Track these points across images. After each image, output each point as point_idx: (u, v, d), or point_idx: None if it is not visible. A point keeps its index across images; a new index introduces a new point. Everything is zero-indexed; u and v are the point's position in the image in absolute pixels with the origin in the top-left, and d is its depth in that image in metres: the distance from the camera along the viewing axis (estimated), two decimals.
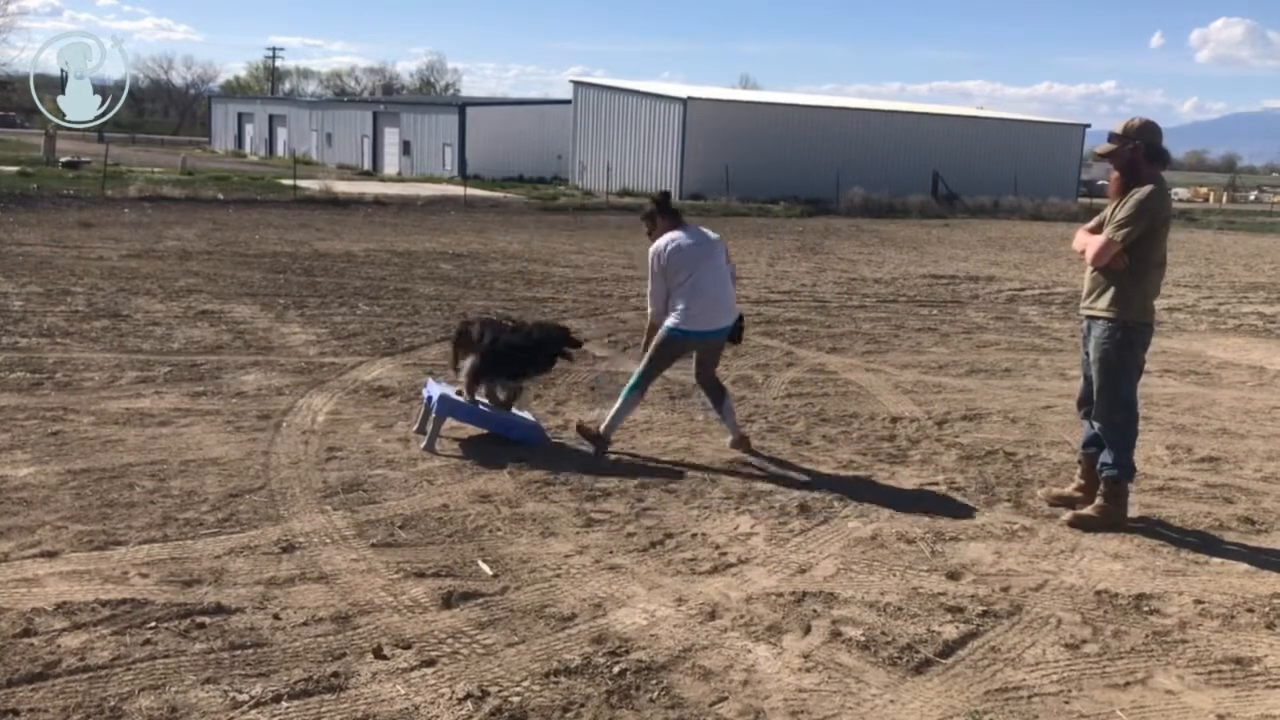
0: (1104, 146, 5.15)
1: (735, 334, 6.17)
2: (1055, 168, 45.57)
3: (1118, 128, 5.13)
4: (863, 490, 5.64)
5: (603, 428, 6.11)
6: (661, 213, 6.10)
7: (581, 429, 6.19)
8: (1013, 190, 40.61)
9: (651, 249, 6.02)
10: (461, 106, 51.05)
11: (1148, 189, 4.97)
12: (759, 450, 6.28)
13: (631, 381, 6.11)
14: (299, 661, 3.49)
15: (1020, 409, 7.66)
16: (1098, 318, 5.16)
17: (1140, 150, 5.02)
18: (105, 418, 6.38)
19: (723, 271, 6.04)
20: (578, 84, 45.90)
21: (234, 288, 12.12)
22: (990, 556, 4.74)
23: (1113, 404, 5.14)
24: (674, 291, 5.91)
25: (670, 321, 5.94)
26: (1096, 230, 5.26)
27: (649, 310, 6.15)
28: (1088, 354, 5.29)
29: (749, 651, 3.72)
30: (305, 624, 3.77)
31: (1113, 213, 5.11)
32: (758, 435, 6.65)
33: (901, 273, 17.22)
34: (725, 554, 4.64)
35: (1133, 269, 5.03)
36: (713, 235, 6.09)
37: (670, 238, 5.95)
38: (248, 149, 70.64)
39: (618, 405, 6.11)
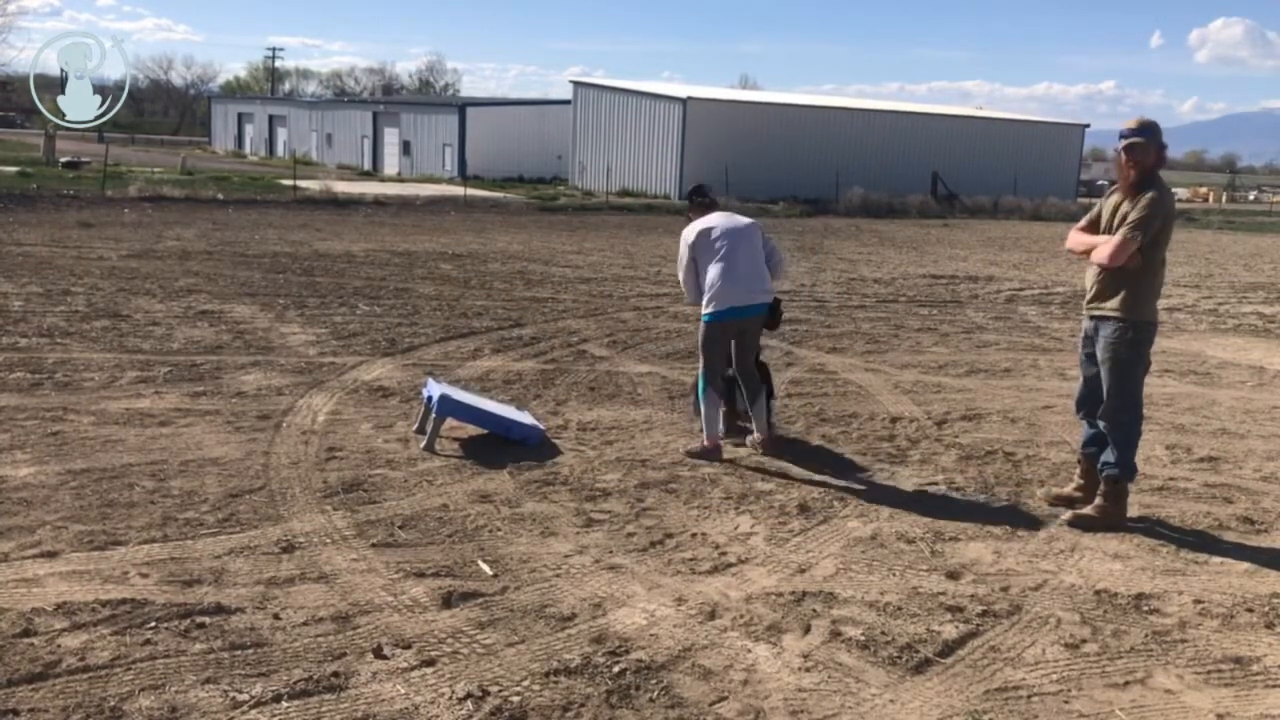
0: (1135, 138, 4.99)
1: (772, 318, 6.25)
2: (1054, 168, 45.57)
3: (1135, 123, 5.03)
4: (862, 490, 5.64)
5: (705, 440, 6.11)
6: (695, 204, 6.38)
7: (693, 454, 6.12)
8: (1012, 190, 40.62)
9: (681, 235, 6.21)
10: (461, 107, 51.03)
11: (1158, 189, 4.97)
12: (757, 456, 6.28)
13: (699, 386, 6.16)
14: (299, 661, 3.49)
15: (1020, 409, 7.67)
16: (1107, 318, 5.13)
17: (1163, 150, 5.03)
18: (105, 418, 6.39)
19: (754, 252, 6.10)
20: (577, 84, 45.88)
21: (234, 288, 12.12)
22: (990, 556, 4.74)
23: (1122, 404, 5.13)
24: (705, 273, 6.02)
25: (704, 311, 6.06)
26: (1090, 229, 5.24)
27: (687, 297, 6.28)
28: (1089, 355, 5.27)
29: (749, 651, 3.72)
30: (305, 624, 3.77)
31: (1117, 211, 5.08)
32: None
33: (901, 273, 17.22)
34: (725, 554, 4.64)
35: (1143, 268, 5.02)
36: (745, 219, 6.24)
37: (699, 222, 6.16)
38: (248, 149, 70.63)
39: (703, 413, 6.13)
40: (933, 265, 18.82)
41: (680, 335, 10.20)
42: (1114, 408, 5.15)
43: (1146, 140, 5.00)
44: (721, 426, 6.21)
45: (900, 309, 12.92)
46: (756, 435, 6.26)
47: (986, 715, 3.35)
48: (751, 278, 6.02)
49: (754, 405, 6.24)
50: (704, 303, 6.03)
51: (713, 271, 5.98)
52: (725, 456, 6.12)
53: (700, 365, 6.17)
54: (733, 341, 6.15)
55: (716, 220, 6.14)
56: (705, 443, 6.13)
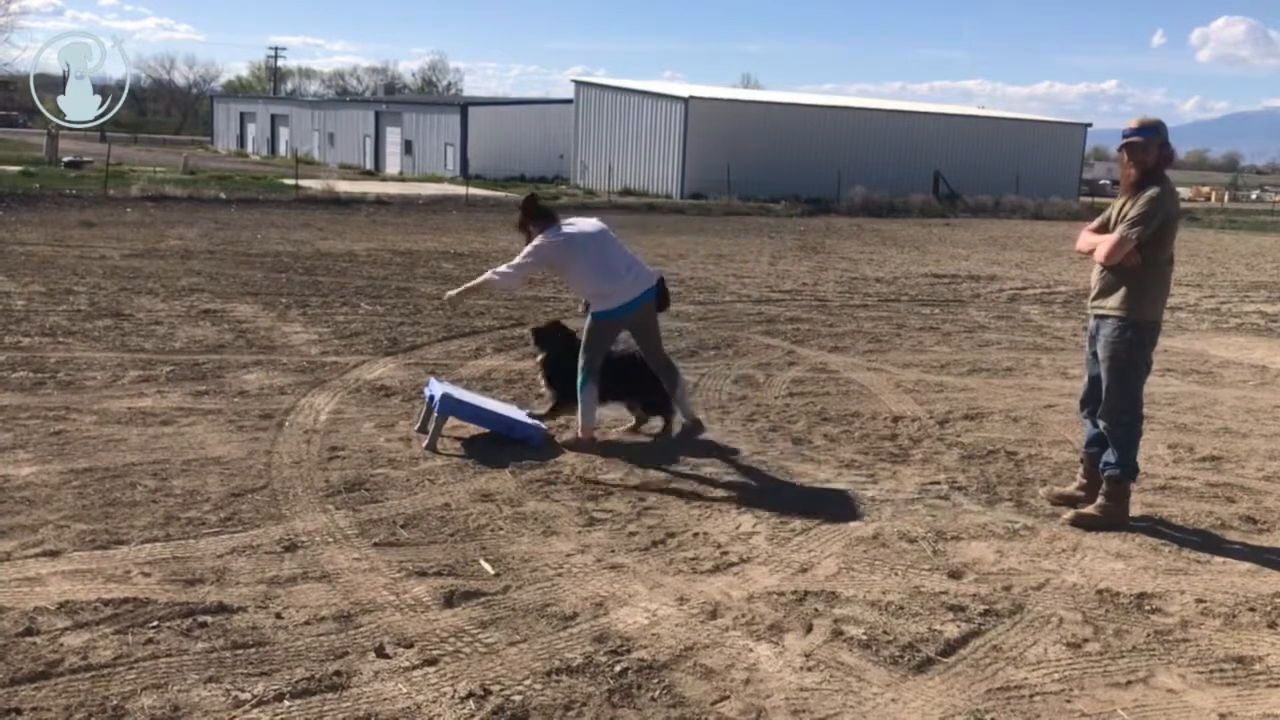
0: (1134, 137, 5.00)
1: (661, 300, 6.23)
2: (1057, 167, 45.56)
3: (1136, 123, 5.04)
4: (864, 489, 5.64)
5: (580, 433, 6.17)
6: (536, 217, 6.16)
7: (570, 446, 6.17)
8: (1014, 189, 40.61)
9: (535, 242, 6.03)
10: (463, 106, 51.06)
11: (1159, 188, 4.96)
12: (758, 455, 6.29)
13: (580, 379, 6.13)
14: (301, 660, 3.50)
15: (1022, 408, 7.66)
16: (1107, 316, 5.13)
17: (1165, 149, 5.01)
18: (107, 417, 6.39)
19: (619, 246, 6.14)
20: (579, 83, 45.89)
21: (236, 287, 12.13)
22: (992, 555, 4.74)
23: (1121, 403, 5.13)
24: (582, 280, 6.02)
25: (595, 308, 6.05)
26: (1101, 230, 5.24)
27: (493, 278, 6.08)
28: (1094, 354, 5.27)
29: (750, 650, 3.72)
30: (307, 623, 3.78)
31: (1121, 210, 5.09)
32: (759, 434, 6.66)
33: (903, 272, 17.21)
34: (727, 553, 4.64)
35: (1144, 267, 5.01)
36: (591, 220, 6.29)
37: (555, 231, 6.04)
38: (250, 149, 70.69)
39: (581, 406, 6.14)
40: (935, 264, 18.81)
41: (681, 334, 10.20)
42: (1113, 407, 5.15)
43: (1145, 139, 5.00)
44: (595, 422, 6.23)
45: (902, 308, 12.91)
46: (686, 423, 6.31)
47: (989, 715, 3.35)
48: (631, 269, 6.05)
49: (675, 393, 6.27)
50: (598, 302, 6.02)
51: (595, 275, 5.96)
52: (725, 456, 6.13)
53: (582, 361, 6.12)
54: (636, 336, 6.19)
55: (573, 227, 6.06)
56: (580, 434, 6.16)
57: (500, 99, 64.29)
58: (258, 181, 34.06)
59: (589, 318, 6.11)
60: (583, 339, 6.17)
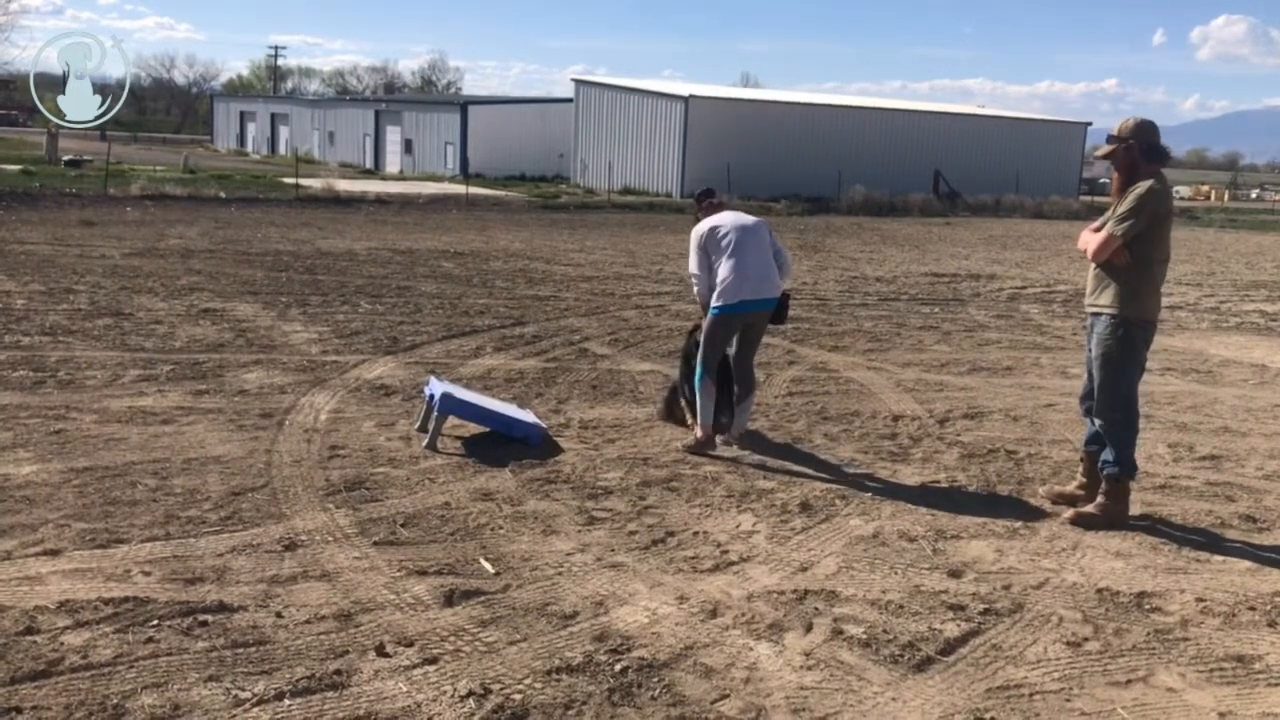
0: (1103, 148, 5.20)
1: (779, 313, 6.30)
2: (1057, 166, 45.53)
3: (1114, 129, 5.17)
4: (864, 488, 5.64)
5: (699, 431, 6.17)
6: (705, 204, 6.54)
7: (690, 449, 6.13)
8: (1014, 188, 40.57)
9: (693, 230, 6.34)
10: (463, 105, 51.02)
11: (1146, 184, 4.98)
12: (757, 455, 6.30)
13: (698, 373, 6.19)
14: (301, 659, 3.50)
15: (1022, 407, 7.66)
16: (1100, 314, 5.16)
17: (1136, 150, 5.04)
18: (108, 416, 6.39)
19: (763, 249, 6.19)
20: (579, 82, 45.86)
21: (236, 286, 12.13)
22: (992, 554, 4.74)
23: (1113, 401, 5.14)
24: (716, 270, 6.11)
25: (713, 304, 6.12)
26: (1100, 229, 5.27)
27: (695, 291, 6.39)
28: (1091, 351, 5.29)
29: (750, 649, 3.72)
30: (308, 622, 3.78)
31: (1114, 208, 5.13)
32: (759, 434, 6.65)
33: (903, 271, 17.22)
34: (727, 552, 4.65)
35: (1135, 265, 5.04)
36: (753, 218, 6.37)
37: (709, 220, 6.29)
38: (250, 147, 70.65)
39: (699, 401, 6.18)
40: (934, 263, 18.81)
41: (683, 333, 10.19)
42: (1106, 405, 5.16)
43: (1115, 145, 5.12)
44: (712, 417, 6.21)
45: (902, 307, 12.92)
46: (732, 433, 6.31)
47: (988, 714, 3.35)
48: (761, 272, 6.10)
49: (741, 403, 6.30)
50: (714, 296, 6.11)
51: (724, 267, 6.08)
52: (726, 454, 6.13)
53: (700, 356, 6.19)
54: (737, 337, 6.22)
55: (725, 218, 6.26)
56: (699, 434, 6.17)
57: (500, 98, 64.22)
58: (258, 180, 34.03)
59: (709, 313, 6.16)
60: (703, 334, 6.23)
